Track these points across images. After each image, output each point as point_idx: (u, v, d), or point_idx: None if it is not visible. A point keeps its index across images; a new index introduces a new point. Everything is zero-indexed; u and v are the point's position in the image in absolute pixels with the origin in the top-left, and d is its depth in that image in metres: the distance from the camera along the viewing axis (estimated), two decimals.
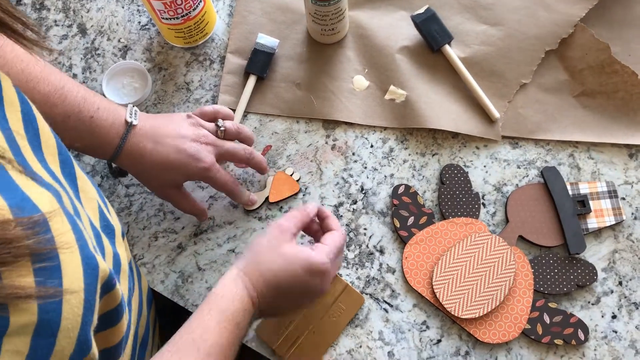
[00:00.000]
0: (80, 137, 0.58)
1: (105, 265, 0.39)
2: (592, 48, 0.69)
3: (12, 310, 0.30)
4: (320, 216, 0.59)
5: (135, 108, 0.60)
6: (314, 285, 0.54)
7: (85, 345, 0.35)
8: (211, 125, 0.62)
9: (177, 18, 0.68)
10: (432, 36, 0.71)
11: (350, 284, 0.64)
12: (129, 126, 0.58)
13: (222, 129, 0.62)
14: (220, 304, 0.50)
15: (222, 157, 0.61)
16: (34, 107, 0.42)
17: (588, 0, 0.71)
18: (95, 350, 0.37)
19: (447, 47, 0.71)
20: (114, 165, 0.62)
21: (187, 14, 0.68)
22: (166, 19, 0.68)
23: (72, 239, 0.36)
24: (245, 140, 0.65)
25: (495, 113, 0.69)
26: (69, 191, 0.42)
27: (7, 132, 0.38)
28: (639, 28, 0.71)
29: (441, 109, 0.70)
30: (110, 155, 0.59)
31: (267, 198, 0.68)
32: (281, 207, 0.68)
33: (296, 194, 0.68)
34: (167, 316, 0.69)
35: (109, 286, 0.40)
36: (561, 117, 0.69)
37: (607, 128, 0.69)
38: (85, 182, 0.46)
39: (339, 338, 0.63)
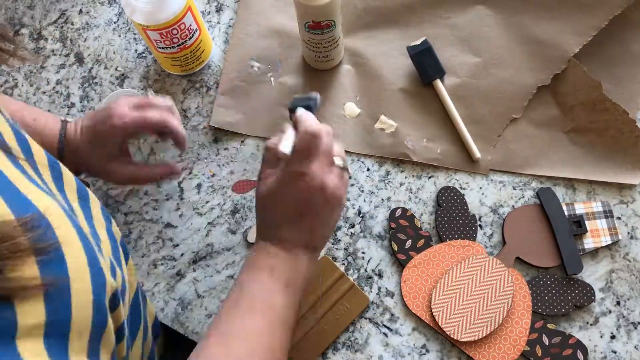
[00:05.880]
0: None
1: (111, 278, 0.39)
2: (584, 85, 0.69)
3: (19, 310, 0.30)
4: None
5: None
6: (307, 171, 0.50)
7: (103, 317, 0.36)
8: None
9: (173, 47, 0.69)
10: (424, 70, 0.71)
11: (356, 284, 0.64)
12: (64, 122, 0.62)
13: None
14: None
15: (142, 107, 0.62)
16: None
17: (582, 36, 0.70)
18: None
19: (438, 81, 0.71)
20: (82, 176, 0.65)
21: (183, 43, 0.69)
22: (162, 48, 0.69)
23: (74, 235, 0.37)
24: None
25: (477, 153, 0.69)
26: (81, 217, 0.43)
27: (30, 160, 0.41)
28: (632, 66, 0.71)
29: (429, 143, 0.70)
30: (57, 152, 0.62)
31: None
32: None
33: None
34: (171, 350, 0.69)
35: (114, 303, 0.39)
36: (551, 152, 0.69)
37: (596, 166, 0.68)
38: (97, 211, 0.48)
39: None
